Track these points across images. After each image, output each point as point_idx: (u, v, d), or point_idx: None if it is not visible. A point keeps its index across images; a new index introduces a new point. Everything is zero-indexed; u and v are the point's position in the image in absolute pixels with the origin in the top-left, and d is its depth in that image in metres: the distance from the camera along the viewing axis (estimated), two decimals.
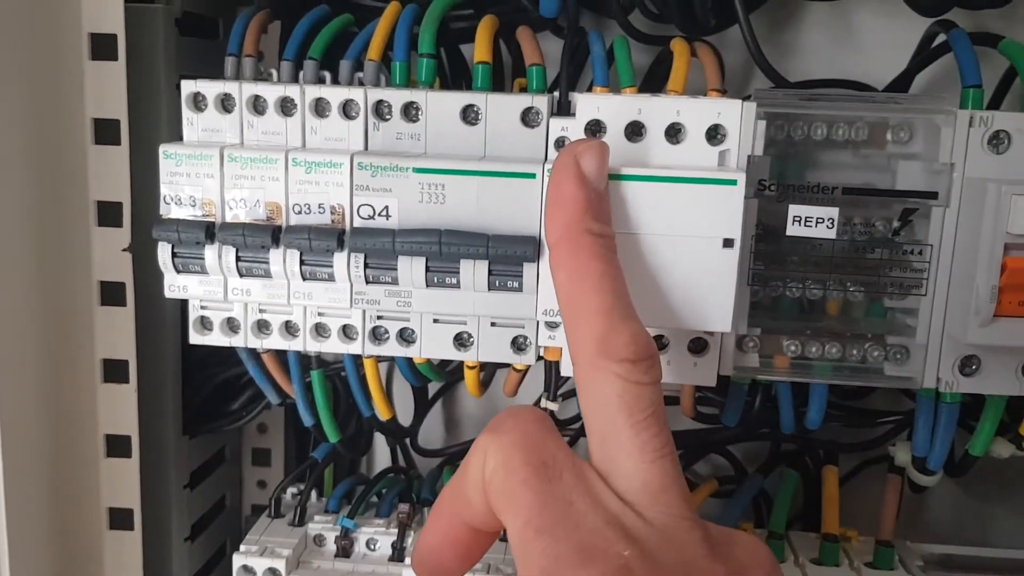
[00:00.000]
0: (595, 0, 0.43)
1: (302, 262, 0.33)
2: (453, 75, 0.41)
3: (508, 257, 0.32)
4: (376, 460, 0.52)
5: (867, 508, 0.47)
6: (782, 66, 0.41)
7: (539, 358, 0.36)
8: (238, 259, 0.33)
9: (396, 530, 0.40)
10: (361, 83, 0.36)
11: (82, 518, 0.38)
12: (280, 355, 0.39)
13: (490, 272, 0.33)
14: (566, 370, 0.35)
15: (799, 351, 0.35)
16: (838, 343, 0.35)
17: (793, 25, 0.46)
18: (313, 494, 0.43)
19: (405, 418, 0.48)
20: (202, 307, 0.36)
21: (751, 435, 0.44)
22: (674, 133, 0.33)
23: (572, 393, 0.38)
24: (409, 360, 0.39)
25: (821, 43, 0.46)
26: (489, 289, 0.33)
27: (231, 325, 0.36)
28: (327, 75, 0.36)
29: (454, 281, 0.33)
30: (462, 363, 0.47)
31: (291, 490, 0.44)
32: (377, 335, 0.36)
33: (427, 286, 0.33)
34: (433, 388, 0.50)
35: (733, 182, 0.31)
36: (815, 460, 0.44)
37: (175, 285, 0.35)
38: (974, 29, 0.37)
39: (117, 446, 0.38)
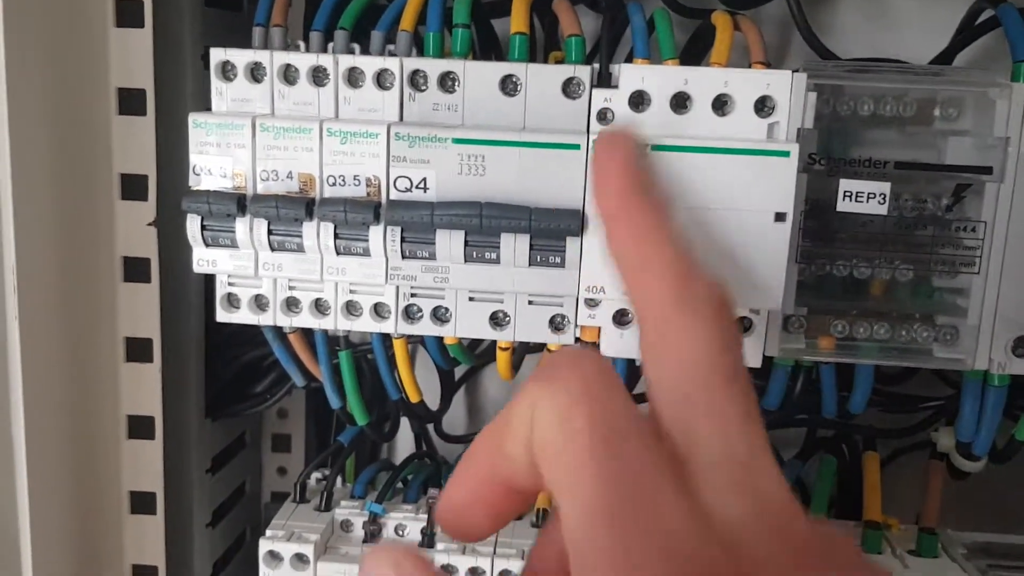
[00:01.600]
0: None
1: (336, 236, 0.32)
2: (484, 51, 0.40)
3: (551, 231, 0.31)
4: (398, 447, 0.51)
5: (902, 497, 0.46)
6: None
7: (576, 339, 0.35)
8: (270, 232, 0.32)
9: (425, 515, 0.39)
10: (393, 55, 0.35)
11: (103, 501, 0.37)
12: (306, 337, 0.38)
13: (531, 247, 0.32)
14: (606, 350, 0.34)
15: (846, 331, 0.34)
16: (886, 323, 0.34)
17: (828, 4, 0.45)
18: (337, 480, 0.42)
19: (429, 404, 0.47)
20: (230, 284, 0.35)
21: (788, 421, 0.43)
22: (720, 105, 0.32)
23: None
24: (439, 342, 0.38)
25: (857, 22, 0.45)
26: (530, 264, 0.32)
27: (259, 303, 0.35)
28: (356, 47, 0.35)
29: (494, 256, 0.32)
30: (490, 346, 0.47)
31: (315, 475, 0.43)
32: (410, 314, 0.35)
33: (465, 261, 0.32)
34: (458, 373, 0.49)
35: (786, 153, 0.30)
36: (851, 448, 0.43)
37: (204, 259, 0.34)
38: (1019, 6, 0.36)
39: (140, 427, 0.37)
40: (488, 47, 0.40)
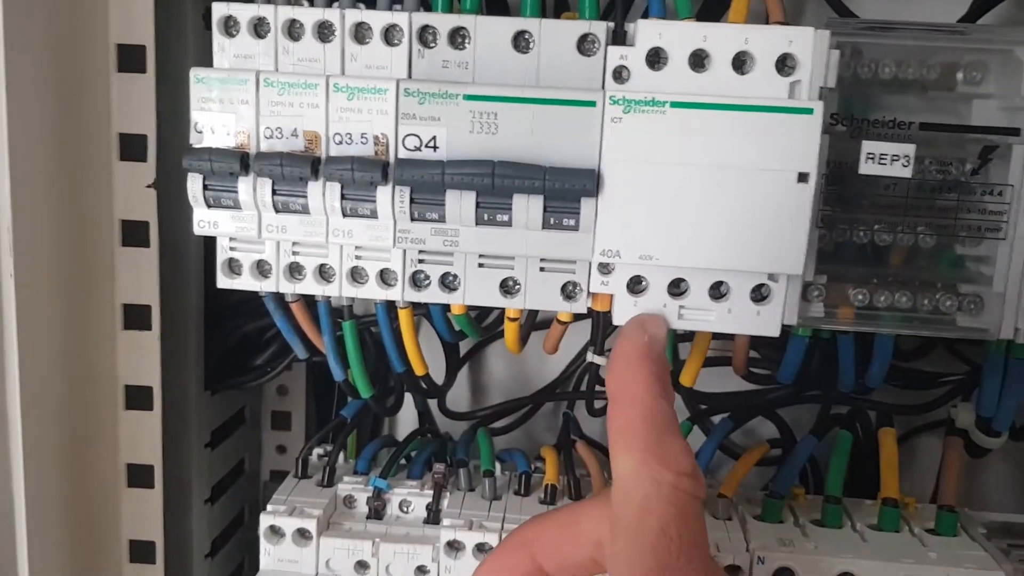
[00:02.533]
0: None
1: (343, 196, 0.31)
2: (492, 13, 0.39)
3: (566, 191, 0.30)
4: (400, 426, 0.50)
5: (916, 479, 0.45)
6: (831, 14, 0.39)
7: (588, 310, 0.34)
8: (274, 192, 0.31)
9: (431, 491, 0.38)
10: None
11: (100, 473, 0.36)
12: (309, 308, 0.37)
13: (545, 208, 0.31)
14: (618, 319, 0.33)
15: (867, 300, 0.33)
16: (908, 292, 0.33)
17: None
18: (340, 457, 0.41)
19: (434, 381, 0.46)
20: (231, 249, 0.34)
21: (800, 397, 0.42)
22: (740, 64, 0.31)
23: None
24: (444, 313, 0.37)
25: None
26: (543, 227, 0.31)
27: (261, 269, 0.34)
28: (362, 6, 0.34)
29: (505, 218, 0.31)
30: (495, 322, 0.46)
31: (317, 451, 0.42)
32: (417, 281, 0.34)
33: (476, 223, 0.31)
34: (463, 351, 0.48)
35: (809, 111, 0.29)
36: (865, 425, 0.42)
37: (205, 221, 0.32)
38: None
39: (138, 398, 0.36)
40: (496, 11, 0.39)
